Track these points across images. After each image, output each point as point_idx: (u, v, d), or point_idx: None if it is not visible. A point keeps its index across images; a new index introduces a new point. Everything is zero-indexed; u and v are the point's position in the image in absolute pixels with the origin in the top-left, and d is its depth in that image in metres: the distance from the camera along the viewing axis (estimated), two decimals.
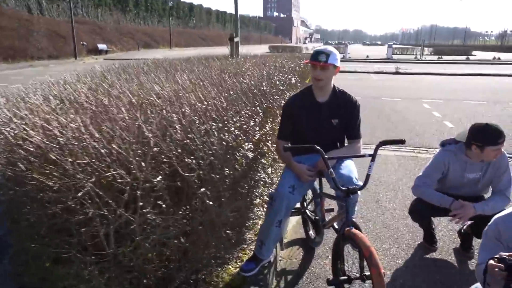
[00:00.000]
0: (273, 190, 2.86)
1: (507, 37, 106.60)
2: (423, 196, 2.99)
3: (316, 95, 2.79)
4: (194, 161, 1.85)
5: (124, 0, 48.89)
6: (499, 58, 33.35)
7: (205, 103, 2.33)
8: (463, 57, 35.38)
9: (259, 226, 3.04)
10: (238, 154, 2.16)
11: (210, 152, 1.95)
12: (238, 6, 11.51)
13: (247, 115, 2.45)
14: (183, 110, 2.19)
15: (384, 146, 2.48)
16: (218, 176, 1.86)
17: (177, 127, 1.92)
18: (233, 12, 12.50)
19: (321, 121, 2.78)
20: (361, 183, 2.48)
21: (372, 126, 8.04)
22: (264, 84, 3.36)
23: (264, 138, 2.93)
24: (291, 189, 2.59)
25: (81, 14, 41.06)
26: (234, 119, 2.26)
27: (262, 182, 2.88)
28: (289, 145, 3.01)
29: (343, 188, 2.33)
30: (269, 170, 3.30)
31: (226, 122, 2.19)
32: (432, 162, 3.02)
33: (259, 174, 2.87)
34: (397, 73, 20.83)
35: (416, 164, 5.62)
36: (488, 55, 40.16)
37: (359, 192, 2.53)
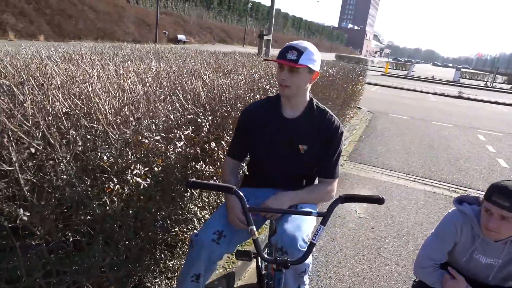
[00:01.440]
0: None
1: None
2: (427, 280, 1.94)
3: (283, 108, 1.87)
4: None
5: None
6: None
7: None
8: None
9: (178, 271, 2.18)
10: (112, 183, 1.33)
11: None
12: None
13: (160, 125, 1.59)
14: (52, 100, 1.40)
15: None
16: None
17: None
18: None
19: (284, 144, 1.85)
20: (304, 249, 1.54)
21: (408, 151, 6.71)
22: (243, 87, 2.45)
23: (213, 157, 2.07)
24: (217, 236, 1.70)
25: (170, 7, 42.35)
26: (117, 130, 1.42)
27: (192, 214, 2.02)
28: (243, 168, 2.12)
29: (268, 258, 1.41)
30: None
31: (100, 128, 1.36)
32: (441, 226, 1.94)
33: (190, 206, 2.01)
34: (459, 97, 18.40)
35: (446, 207, 4.36)
36: None
37: (309, 259, 1.60)
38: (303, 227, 1.66)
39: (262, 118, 1.87)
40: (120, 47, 5.18)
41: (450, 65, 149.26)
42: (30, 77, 1.73)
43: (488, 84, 31.41)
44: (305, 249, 1.56)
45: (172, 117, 1.65)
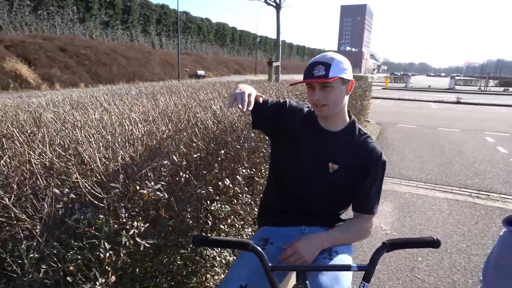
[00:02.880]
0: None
1: None
2: None
3: (320, 122, 1.44)
4: None
5: (223, 36, 50.63)
6: None
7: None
8: None
9: None
10: (103, 250, 0.94)
11: None
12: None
13: (163, 170, 1.20)
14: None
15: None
16: None
17: None
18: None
19: (313, 158, 1.40)
20: None
21: (422, 160, 6.11)
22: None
23: None
24: None
25: (189, 47, 43.27)
26: None
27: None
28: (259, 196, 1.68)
29: None
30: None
31: None
32: (499, 251, 1.43)
33: None
34: (457, 102, 17.49)
35: (473, 215, 3.77)
36: None
37: None
38: (341, 279, 1.21)
39: (299, 119, 1.45)
40: (137, 87, 4.94)
41: (443, 74, 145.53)
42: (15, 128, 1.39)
43: (482, 88, 30.12)
44: None
45: (176, 159, 1.28)
